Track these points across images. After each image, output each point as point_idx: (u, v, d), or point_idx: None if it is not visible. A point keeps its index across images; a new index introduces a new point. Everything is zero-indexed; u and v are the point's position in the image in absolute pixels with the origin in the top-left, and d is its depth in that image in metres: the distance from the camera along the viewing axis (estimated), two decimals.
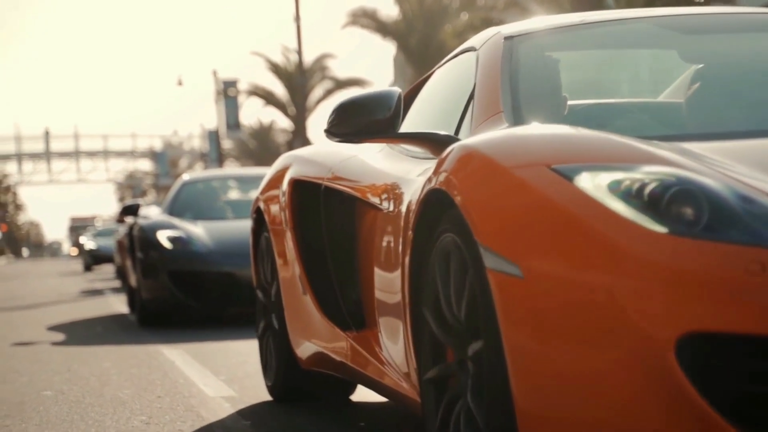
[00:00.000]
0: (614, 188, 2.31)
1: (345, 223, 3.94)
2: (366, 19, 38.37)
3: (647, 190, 2.28)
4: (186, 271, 9.28)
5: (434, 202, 2.80)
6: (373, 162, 3.89)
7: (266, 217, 4.58)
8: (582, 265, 2.26)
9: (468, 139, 2.80)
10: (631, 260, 2.20)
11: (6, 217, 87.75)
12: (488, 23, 30.27)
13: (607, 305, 2.21)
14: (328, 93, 45.14)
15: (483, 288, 2.46)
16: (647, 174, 2.32)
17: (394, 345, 3.26)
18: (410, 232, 2.97)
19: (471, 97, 3.44)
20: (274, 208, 4.47)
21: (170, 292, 9.24)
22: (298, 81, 32.26)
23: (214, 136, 53.43)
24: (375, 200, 3.60)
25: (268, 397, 4.87)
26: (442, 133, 3.33)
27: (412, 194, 3.13)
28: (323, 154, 4.32)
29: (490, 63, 3.43)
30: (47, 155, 79.84)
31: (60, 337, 8.76)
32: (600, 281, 2.23)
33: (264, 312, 4.83)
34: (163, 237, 9.50)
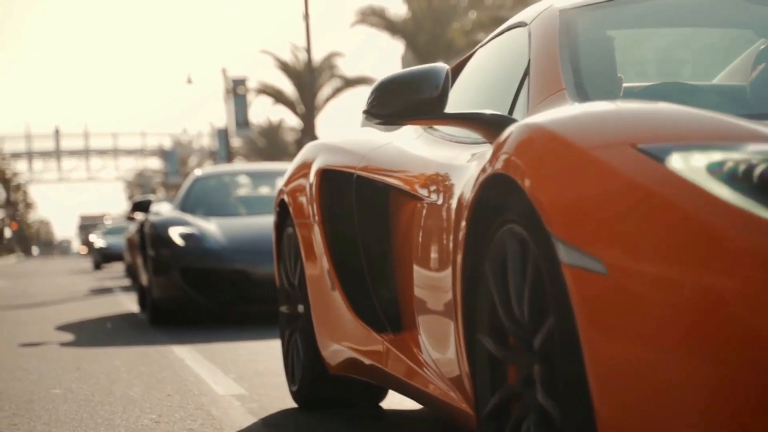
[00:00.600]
0: (715, 170, 1.98)
1: (379, 216, 3.63)
2: (375, 17, 38.36)
3: (757, 171, 1.95)
4: (198, 269, 9.04)
5: (494, 189, 2.49)
6: (411, 149, 3.60)
7: (291, 210, 4.25)
8: (678, 260, 1.93)
9: (533, 117, 2.43)
10: (739, 253, 1.88)
11: (16, 215, 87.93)
12: (497, 21, 30.21)
13: (711, 307, 1.88)
14: (337, 91, 45.13)
15: (556, 287, 2.16)
16: (754, 154, 1.99)
17: (440, 349, 3.01)
18: (463, 225, 2.67)
19: (525, 75, 3.14)
20: (301, 201, 4.16)
21: (182, 290, 9.01)
22: (307, 79, 32.21)
23: (223, 135, 53.44)
24: (415, 190, 3.30)
25: (278, 395, 4.83)
26: (497, 113, 3.01)
27: (463, 182, 2.82)
28: (354, 141, 4.03)
29: (546, 38, 3.14)
30: (57, 153, 79.98)
31: (69, 335, 8.73)
32: (702, 279, 1.89)
33: (289, 302, 4.51)
34: (175, 234, 9.25)
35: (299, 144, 44.52)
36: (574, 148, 2.20)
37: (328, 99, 45.17)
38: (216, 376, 5.63)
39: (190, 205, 10.31)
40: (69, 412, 4.60)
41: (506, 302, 2.48)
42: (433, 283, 3.00)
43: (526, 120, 2.44)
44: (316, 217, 3.95)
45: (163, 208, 10.31)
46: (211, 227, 9.39)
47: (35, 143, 79.92)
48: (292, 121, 60.48)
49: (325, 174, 4.00)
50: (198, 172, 11.37)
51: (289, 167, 4.50)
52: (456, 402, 2.89)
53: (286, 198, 4.36)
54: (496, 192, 2.48)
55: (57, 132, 78.88)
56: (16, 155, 79.13)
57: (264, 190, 11.14)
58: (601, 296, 2.02)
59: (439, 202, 3.06)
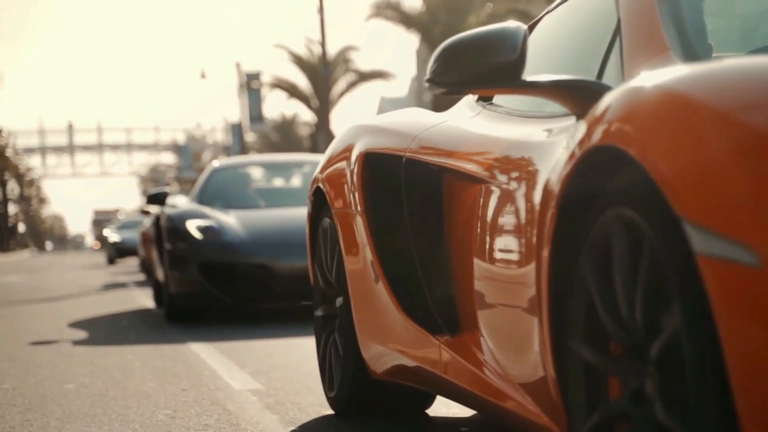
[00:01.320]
0: None
1: (432, 203, 3.20)
2: (390, 10, 38.23)
3: None
4: (217, 263, 8.59)
5: (592, 167, 2.10)
6: (471, 127, 3.18)
7: (329, 199, 3.81)
8: None
9: (640, 80, 2.00)
10: None
11: (30, 210, 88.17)
12: (514, 14, 30.08)
13: None
14: (351, 85, 45.05)
15: (686, 283, 1.77)
16: None
17: (510, 353, 2.65)
18: (551, 213, 2.25)
19: (615, 36, 2.75)
20: (340, 189, 3.72)
21: (200, 285, 8.57)
22: (321, 73, 32.13)
23: (237, 129, 53.44)
24: (478, 174, 2.88)
25: (295, 390, 4.73)
26: (586, 79, 2.59)
27: (546, 163, 2.42)
28: (402, 122, 3.61)
29: None
30: (71, 149, 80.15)
31: (83, 329, 8.65)
32: None
33: (325, 302, 4.10)
34: (192, 226, 8.82)
35: (313, 138, 44.45)
36: (708, 110, 1.74)
37: (342, 93, 45.08)
38: (231, 370, 5.54)
39: (207, 197, 9.89)
40: (82, 407, 4.51)
41: (609, 302, 2.10)
42: (503, 279, 2.62)
43: (632, 84, 2.02)
44: (359, 206, 3.54)
45: (179, 201, 9.96)
46: (230, 220, 8.97)
47: (49, 138, 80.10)
48: (306, 115, 60.50)
49: (369, 158, 3.58)
50: (215, 163, 10.90)
51: (326, 152, 4.07)
52: (532, 414, 2.52)
53: (322, 186, 3.93)
54: (596, 170, 2.10)
55: (70, 127, 79.03)
56: (29, 150, 79.31)
57: (283, 182, 10.81)
58: (752, 294, 1.62)
59: (512, 187, 2.65)
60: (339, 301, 3.85)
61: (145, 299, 12.57)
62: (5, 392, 5.06)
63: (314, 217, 4.15)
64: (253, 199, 10.08)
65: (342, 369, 3.81)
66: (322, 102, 41.73)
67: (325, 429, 3.85)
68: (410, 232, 3.30)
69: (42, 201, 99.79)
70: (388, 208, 3.45)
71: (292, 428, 3.87)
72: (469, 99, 3.54)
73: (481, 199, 2.85)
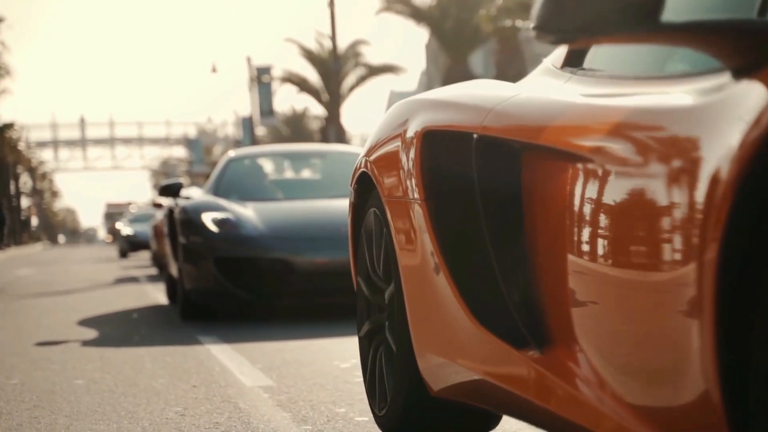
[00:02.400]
0: None
1: (513, 188, 2.60)
2: (400, 4, 38.13)
3: None
4: (235, 258, 8.08)
5: None
6: (568, 96, 2.55)
7: (379, 186, 3.25)
8: None
9: None
10: None
11: (42, 203, 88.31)
12: (525, 7, 29.93)
13: None
14: (362, 80, 44.97)
15: None
16: None
17: (633, 373, 2.12)
18: (727, 204, 1.72)
19: None
20: (394, 174, 3.16)
21: (217, 281, 8.05)
22: (332, 67, 32.04)
23: (247, 123, 53.41)
24: (585, 152, 2.27)
25: (308, 387, 4.66)
26: (753, 18, 2.07)
27: (701, 133, 1.86)
28: (471, 94, 3.01)
29: None
30: (83, 142, 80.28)
31: (93, 324, 8.60)
32: None
33: (371, 315, 3.48)
34: (208, 219, 8.28)
35: (323, 132, 44.40)
36: None
37: (352, 87, 45.02)
38: (242, 366, 5.47)
39: (223, 188, 9.32)
40: (91, 403, 4.44)
41: None
42: (628, 284, 2.07)
43: None
44: (418, 194, 2.96)
45: (193, 193, 9.48)
46: (248, 212, 8.42)
47: (61, 132, 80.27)
48: (316, 109, 60.40)
49: (429, 137, 2.99)
50: (231, 153, 10.28)
51: (373, 133, 3.49)
52: None
53: (370, 171, 3.36)
54: None
55: (82, 121, 79.15)
56: (41, 144, 79.49)
57: (302, 173, 10.38)
58: None
59: (639, 168, 2.06)
60: (389, 293, 3.28)
61: (156, 294, 12.52)
62: (14, 388, 5.01)
63: (358, 208, 3.60)
64: (271, 191, 9.55)
65: (394, 385, 3.24)
66: (332, 96, 41.68)
67: (339, 429, 3.78)
68: (483, 223, 2.70)
69: (54, 194, 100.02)
70: (454, 195, 2.86)
71: (305, 427, 3.80)
72: (548, 66, 2.98)
73: (586, 184, 2.26)
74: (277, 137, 58.78)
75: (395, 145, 3.20)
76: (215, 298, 8.21)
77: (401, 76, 47.23)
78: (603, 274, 2.17)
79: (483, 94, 2.95)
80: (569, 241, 2.30)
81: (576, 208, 2.29)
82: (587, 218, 2.25)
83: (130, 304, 10.80)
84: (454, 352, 2.85)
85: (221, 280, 8.05)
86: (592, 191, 2.24)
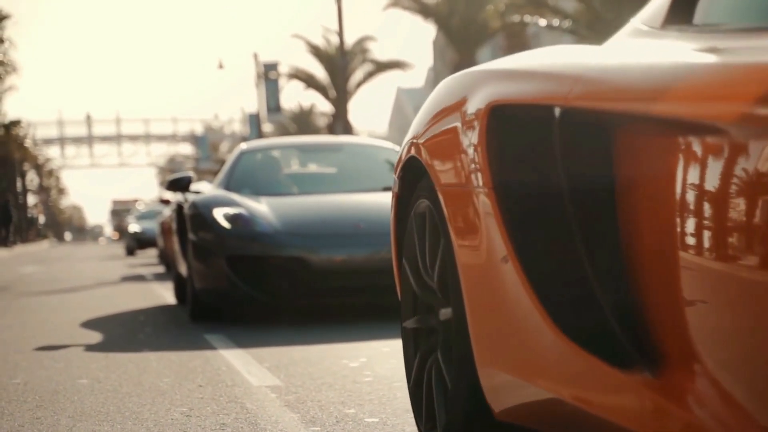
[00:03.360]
0: None
1: (607, 173, 2.11)
2: (407, 0, 37.99)
3: None
4: (248, 256, 7.57)
5: None
6: (683, 55, 2.07)
7: (433, 172, 2.73)
8: None
9: None
10: None
11: (49, 201, 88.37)
12: (533, 2, 29.77)
13: None
14: (369, 76, 44.87)
15: None
16: None
17: None
18: None
19: None
20: (453, 157, 2.62)
21: (229, 280, 7.56)
22: (339, 63, 31.93)
23: (254, 120, 53.37)
24: (719, 124, 1.76)
25: (316, 387, 4.55)
26: None
27: None
28: (550, 61, 2.46)
29: None
30: (89, 139, 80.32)
31: (99, 322, 8.51)
32: None
33: (418, 310, 3.06)
34: (219, 215, 7.78)
35: (330, 129, 44.31)
36: None
37: (360, 83, 44.91)
38: (249, 365, 5.37)
39: (235, 182, 8.80)
40: (95, 404, 4.34)
41: None
42: (759, 287, 1.65)
43: None
44: (484, 180, 2.42)
45: (203, 187, 9.06)
46: (262, 208, 7.92)
47: (67, 129, 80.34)
48: (323, 105, 60.32)
49: (498, 113, 2.45)
50: (243, 145, 9.73)
51: (421, 111, 3.00)
52: None
53: (420, 155, 2.86)
54: None
55: (89, 118, 79.16)
56: (48, 141, 79.55)
57: (318, 166, 9.72)
58: None
59: None
60: (445, 311, 2.77)
61: (163, 292, 12.42)
62: (16, 387, 4.91)
63: (403, 199, 3.13)
64: (285, 185, 8.96)
65: (449, 403, 2.73)
66: (339, 92, 41.57)
67: (348, 430, 3.68)
68: (569, 215, 2.20)
69: (61, 191, 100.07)
70: (531, 182, 2.34)
71: (314, 428, 3.69)
72: (638, 27, 2.55)
73: (707, 165, 1.80)
74: (283, 134, 58.69)
75: (452, 124, 2.67)
76: (227, 299, 7.72)
77: (408, 73, 47.07)
78: (731, 277, 1.71)
79: (566, 60, 2.42)
80: (683, 237, 1.85)
81: (692, 196, 1.83)
82: (709, 208, 1.78)
83: (135, 303, 10.70)
84: (530, 369, 2.33)
85: (233, 280, 7.57)
86: (714, 174, 1.76)
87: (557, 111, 2.24)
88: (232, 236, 7.67)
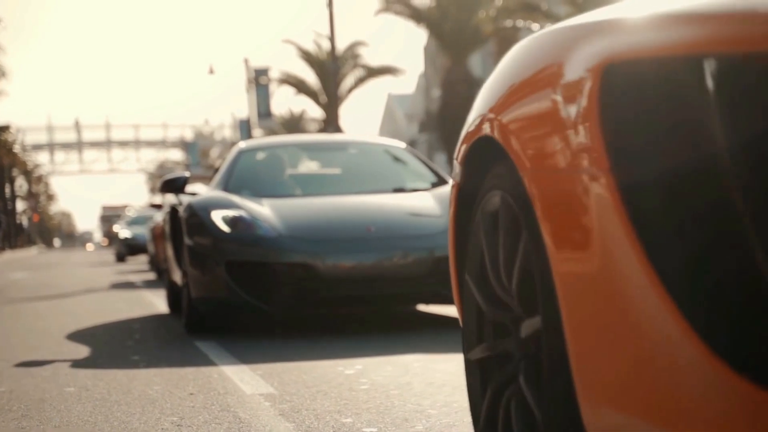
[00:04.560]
0: None
1: None
2: (399, 5, 37.94)
3: None
4: (249, 262, 6.96)
5: None
6: None
7: (516, 155, 2.11)
8: None
9: None
10: None
11: (38, 207, 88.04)
12: (525, 7, 29.71)
13: None
14: (360, 81, 44.76)
15: None
16: None
17: None
18: None
19: None
20: (549, 134, 1.98)
21: (228, 289, 6.94)
22: (330, 68, 31.80)
23: (245, 125, 53.25)
24: None
25: (311, 395, 4.41)
26: None
27: None
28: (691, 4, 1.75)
29: None
30: (79, 145, 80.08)
31: (87, 328, 8.35)
32: None
33: (484, 335, 2.48)
34: (218, 217, 7.18)
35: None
36: None
37: (351, 89, 44.80)
38: (242, 372, 5.22)
39: (233, 183, 8.15)
40: (83, 413, 4.20)
41: None
42: None
43: None
44: (597, 161, 1.79)
45: (199, 189, 8.44)
46: (264, 210, 7.33)
47: (57, 135, 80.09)
48: (314, 111, 60.22)
49: (616, 73, 1.80)
50: (242, 144, 9.08)
51: (493, 80, 2.38)
52: None
53: (499, 135, 2.23)
54: None
55: (77, 124, 78.96)
56: (37, 147, 79.30)
57: (322, 167, 9.04)
58: None
59: None
60: (530, 322, 2.21)
61: (153, 299, 12.26)
62: (1, 396, 4.76)
63: (467, 190, 2.54)
64: (288, 186, 8.30)
65: None
66: (330, 98, 41.45)
67: None
68: (735, 202, 1.60)
69: (50, 197, 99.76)
70: (671, 160, 1.70)
71: None
72: None
73: None
74: None
75: (547, 94, 2.04)
76: (226, 309, 7.08)
77: (399, 79, 46.95)
78: None
79: None
80: None
81: None
82: None
83: (125, 310, 10.54)
84: (669, 412, 1.68)
85: (233, 288, 6.95)
86: None
87: (711, 64, 1.65)
88: (232, 241, 7.07)
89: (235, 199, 7.54)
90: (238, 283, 6.95)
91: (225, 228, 7.13)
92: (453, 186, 2.63)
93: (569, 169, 1.90)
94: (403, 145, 9.07)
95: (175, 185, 8.19)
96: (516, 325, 2.30)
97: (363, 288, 6.90)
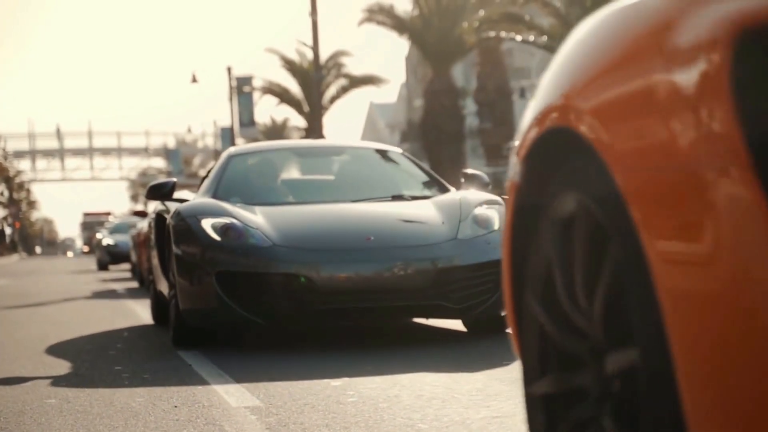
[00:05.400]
0: None
1: None
2: (382, 15, 37.94)
3: None
4: (241, 273, 6.57)
5: None
6: None
7: (607, 148, 1.68)
8: None
9: None
10: None
11: (19, 214, 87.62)
12: (508, 18, 29.72)
13: None
14: (343, 91, 44.73)
15: None
16: None
17: None
18: None
19: None
20: (658, 122, 1.55)
21: (219, 300, 6.53)
22: (313, 77, 31.72)
23: (227, 134, 53.07)
24: None
25: (298, 408, 4.32)
26: None
27: None
28: None
29: None
30: (61, 152, 79.75)
31: (69, 337, 8.23)
32: None
33: (548, 364, 2.05)
34: (208, 225, 6.78)
35: None
36: None
37: (334, 98, 44.76)
38: (227, 384, 5.13)
39: (223, 190, 7.76)
40: (64, 426, 4.10)
41: None
42: None
43: None
44: (733, 154, 1.42)
45: (187, 196, 8.15)
46: (257, 218, 6.95)
47: (39, 142, 79.74)
48: (297, 120, 60.13)
49: (752, 40, 1.45)
50: (232, 149, 8.69)
51: (565, 56, 1.93)
52: None
53: (580, 124, 1.78)
54: None
55: (58, 131, 78.70)
56: (19, 154, 78.92)
57: (317, 173, 8.66)
58: None
59: None
60: (621, 356, 1.76)
61: (135, 307, 12.13)
62: None
63: (528, 191, 2.08)
64: (280, 193, 7.91)
65: None
66: (313, 107, 41.38)
67: None
68: None
69: (31, 205, 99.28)
70: None
71: None
72: None
73: None
74: None
75: (647, 71, 1.61)
76: (216, 321, 6.71)
77: (381, 88, 46.97)
78: None
79: None
80: None
81: None
82: None
83: (107, 318, 10.42)
84: None
85: (225, 300, 6.54)
86: None
87: None
88: (223, 250, 6.66)
89: (225, 206, 7.15)
90: (229, 294, 6.56)
91: (215, 236, 6.73)
92: (510, 188, 2.15)
93: (687, 165, 1.50)
94: (399, 150, 8.76)
95: (162, 191, 7.85)
96: (596, 357, 1.86)
97: (361, 300, 6.52)
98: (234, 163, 8.19)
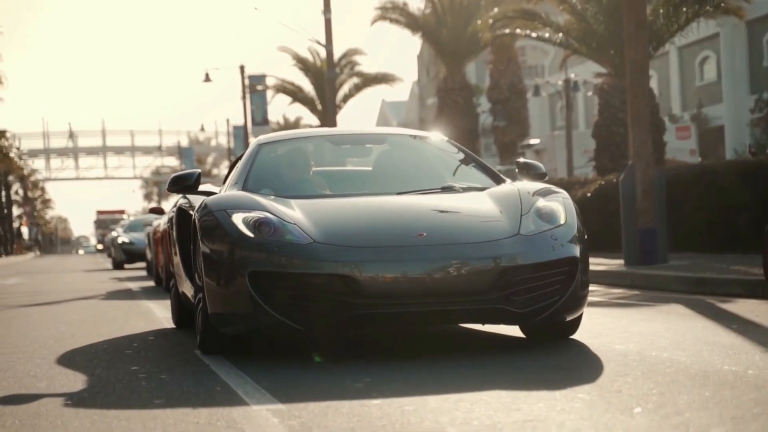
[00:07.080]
0: None
1: None
2: (395, 13, 37.77)
3: None
4: (277, 273, 5.81)
5: None
6: None
7: None
8: None
9: None
10: None
11: (34, 212, 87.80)
12: (525, 15, 29.54)
13: None
14: (357, 89, 44.61)
15: None
16: None
17: None
18: None
19: None
20: None
21: (253, 303, 5.81)
22: (327, 75, 31.57)
23: (241, 132, 53.04)
24: None
25: (321, 411, 4.19)
26: None
27: None
28: None
29: None
30: (74, 151, 79.90)
31: (84, 337, 8.12)
32: None
33: None
34: (239, 220, 6.06)
35: None
36: None
37: (347, 97, 44.65)
38: (247, 385, 5.00)
39: (253, 182, 7.04)
40: (80, 428, 3.99)
41: None
42: None
43: None
44: None
45: (214, 189, 7.46)
46: (293, 212, 6.20)
47: (53, 141, 79.93)
48: (310, 119, 59.99)
49: None
50: (262, 137, 7.92)
51: None
52: None
53: None
54: None
55: (71, 131, 78.92)
56: (33, 153, 79.12)
57: (354, 162, 8.02)
58: None
59: None
60: None
61: (152, 306, 12.01)
62: None
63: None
64: (316, 185, 7.20)
65: None
66: (326, 105, 41.25)
67: None
68: None
69: (46, 203, 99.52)
70: None
71: None
72: None
73: None
74: None
75: None
76: (249, 327, 5.95)
77: (393, 86, 46.69)
78: None
79: None
80: None
81: None
82: None
83: (123, 318, 10.31)
84: None
85: (258, 302, 5.81)
86: None
87: None
88: (257, 247, 5.90)
89: (259, 199, 6.40)
90: (263, 297, 5.82)
91: (248, 232, 5.98)
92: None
93: None
94: (444, 136, 7.95)
95: (185, 183, 7.14)
96: None
97: (412, 304, 5.78)
98: (264, 153, 7.47)
